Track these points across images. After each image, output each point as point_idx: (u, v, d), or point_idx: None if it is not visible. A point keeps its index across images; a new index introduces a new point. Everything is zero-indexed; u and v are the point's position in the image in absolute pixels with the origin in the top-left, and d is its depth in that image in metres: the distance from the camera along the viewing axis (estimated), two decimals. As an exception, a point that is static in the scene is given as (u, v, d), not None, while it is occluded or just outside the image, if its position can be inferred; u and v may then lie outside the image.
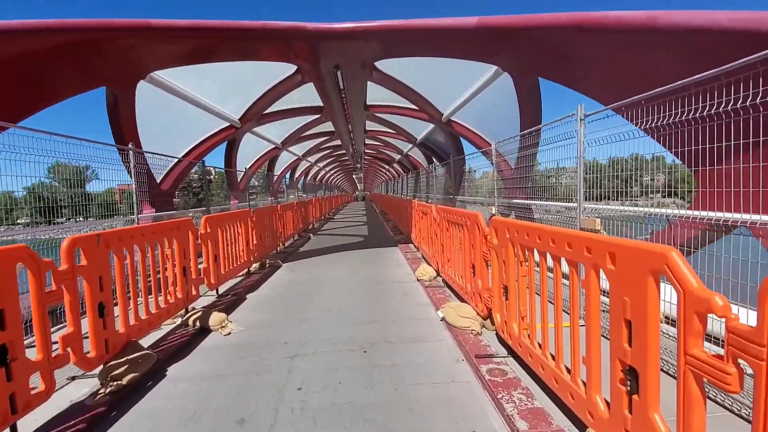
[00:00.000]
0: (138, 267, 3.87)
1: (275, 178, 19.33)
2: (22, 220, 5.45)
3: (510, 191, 6.78)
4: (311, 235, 12.98)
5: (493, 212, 6.57)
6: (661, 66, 4.89)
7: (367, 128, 16.95)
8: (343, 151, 24.56)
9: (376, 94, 11.46)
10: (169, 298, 4.34)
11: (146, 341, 3.92)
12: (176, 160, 8.60)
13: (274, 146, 16.06)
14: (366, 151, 25.05)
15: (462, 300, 4.75)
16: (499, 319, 3.46)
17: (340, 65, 8.46)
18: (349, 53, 7.71)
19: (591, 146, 3.73)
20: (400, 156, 22.99)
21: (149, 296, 4.02)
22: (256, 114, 11.01)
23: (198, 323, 4.39)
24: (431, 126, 13.75)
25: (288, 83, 9.59)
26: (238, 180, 14.22)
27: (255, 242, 7.48)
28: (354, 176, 45.86)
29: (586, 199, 4.14)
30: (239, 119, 10.90)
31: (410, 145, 18.54)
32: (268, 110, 11.50)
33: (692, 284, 1.41)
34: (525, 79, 6.62)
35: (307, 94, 11.11)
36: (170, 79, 8.09)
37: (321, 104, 12.08)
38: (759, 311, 1.19)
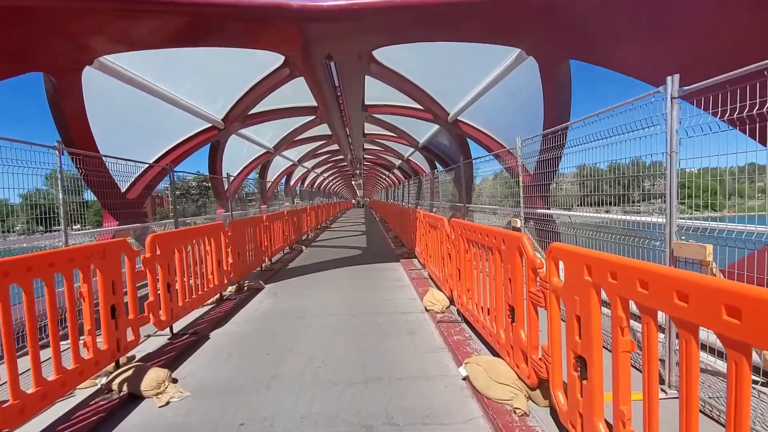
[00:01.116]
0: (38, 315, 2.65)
1: (268, 185, 18.16)
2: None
3: (530, 199, 5.60)
4: (303, 247, 11.76)
5: (518, 225, 5.37)
6: (733, 36, 3.72)
7: (365, 131, 15.83)
8: (341, 157, 23.45)
9: (375, 92, 10.36)
10: (84, 352, 3.11)
11: (41, 421, 2.69)
12: (142, 165, 7.40)
13: (265, 151, 14.92)
14: (365, 156, 23.94)
15: (492, 351, 3.51)
16: (564, 403, 2.23)
17: (333, 55, 7.33)
18: (342, 39, 6.57)
19: (692, 137, 2.53)
20: (400, 161, 21.87)
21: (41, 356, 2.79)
22: (241, 114, 9.86)
23: (126, 387, 3.16)
24: (435, 127, 12.61)
25: (275, 78, 8.44)
26: (226, 187, 13.02)
27: (230, 261, 6.26)
28: (353, 182, 44.75)
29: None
30: (222, 119, 9.75)
31: (411, 150, 17.43)
32: (256, 110, 10.37)
33: None
34: (554, 63, 5.46)
35: (301, 94, 10.02)
36: (134, 70, 6.96)
37: (315, 104, 10.98)
38: None
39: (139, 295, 3.91)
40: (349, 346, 4.07)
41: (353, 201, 60.27)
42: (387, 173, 31.89)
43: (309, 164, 24.10)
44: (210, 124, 9.64)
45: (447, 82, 9.14)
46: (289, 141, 14.99)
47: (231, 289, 6.38)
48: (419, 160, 19.48)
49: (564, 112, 6.03)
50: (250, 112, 10.25)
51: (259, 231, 8.12)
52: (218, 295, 5.87)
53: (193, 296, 4.96)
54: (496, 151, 8.28)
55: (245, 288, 6.57)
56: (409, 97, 9.79)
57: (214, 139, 10.40)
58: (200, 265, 5.34)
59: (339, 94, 9.83)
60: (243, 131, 11.87)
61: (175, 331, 4.49)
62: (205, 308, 5.50)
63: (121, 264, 3.52)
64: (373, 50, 7.23)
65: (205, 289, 5.34)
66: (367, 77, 8.98)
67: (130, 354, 3.80)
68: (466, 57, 7.96)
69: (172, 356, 3.86)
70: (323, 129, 14.62)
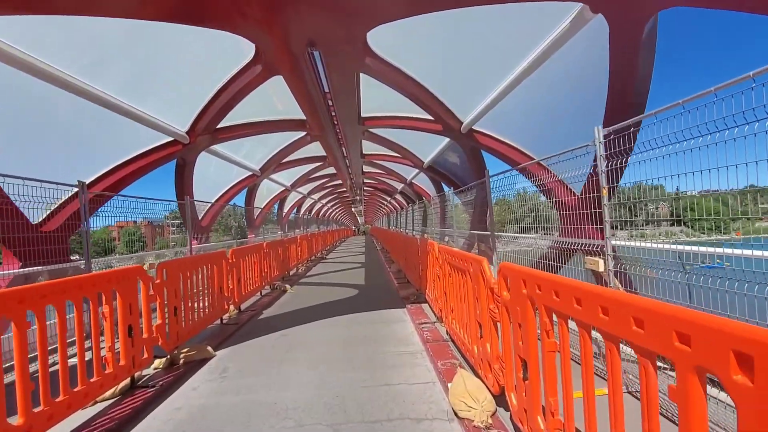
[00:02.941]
0: None
1: (256, 213, 16.29)
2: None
3: (579, 228, 3.65)
4: (288, 286, 9.67)
5: (600, 268, 3.36)
6: None
7: (364, 151, 14.15)
8: (339, 182, 21.76)
9: (373, 102, 8.72)
10: None
11: None
12: (62, 188, 5.50)
13: (250, 173, 13.17)
14: (365, 180, 22.24)
15: None
16: None
17: (315, 40, 5.64)
18: (326, 11, 4.88)
19: None
20: (403, 185, 20.10)
21: None
22: (209, 126, 8.11)
23: None
24: (444, 143, 10.88)
25: (245, 78, 6.73)
26: (200, 216, 11.12)
27: (158, 323, 4.24)
28: (353, 209, 43.02)
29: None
30: (186, 132, 7.99)
31: (415, 171, 15.68)
32: (230, 123, 8.66)
33: None
34: (638, 20, 3.62)
35: (288, 107, 8.40)
36: (60, 66, 5.24)
37: (303, 117, 9.29)
38: None
39: None
40: None
41: (353, 228, 58.48)
42: (389, 199, 30.14)
43: (304, 189, 22.39)
44: (171, 138, 7.87)
45: (461, 81, 7.44)
46: (277, 162, 13.28)
47: (158, 363, 4.31)
48: (424, 183, 17.72)
49: (641, 99, 4.18)
50: (223, 125, 8.53)
51: (218, 271, 6.11)
52: (128, 380, 3.79)
53: (59, 399, 2.89)
54: (531, 160, 6.38)
55: (181, 360, 4.48)
56: (413, 104, 8.06)
57: (178, 157, 8.62)
58: (88, 338, 3.32)
59: (330, 104, 8.14)
60: (219, 150, 10.14)
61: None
62: (99, 407, 3.43)
63: None
64: (367, 32, 5.51)
65: (95, 379, 3.28)
66: (362, 81, 7.30)
67: None
68: (486, 46, 6.26)
69: None
70: (317, 149, 12.97)
